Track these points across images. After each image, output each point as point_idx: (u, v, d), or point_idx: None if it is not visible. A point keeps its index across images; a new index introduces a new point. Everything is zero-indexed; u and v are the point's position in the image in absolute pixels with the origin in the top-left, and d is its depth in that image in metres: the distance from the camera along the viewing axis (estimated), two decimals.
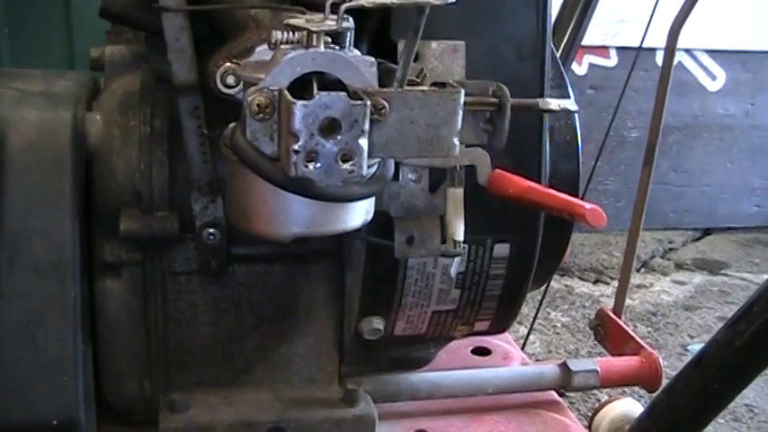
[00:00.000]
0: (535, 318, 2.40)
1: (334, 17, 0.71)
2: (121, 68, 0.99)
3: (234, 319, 1.02)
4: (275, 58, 0.70)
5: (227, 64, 0.80)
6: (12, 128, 0.90)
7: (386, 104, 0.70)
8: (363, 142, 0.67)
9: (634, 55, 2.10)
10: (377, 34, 0.93)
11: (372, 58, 0.71)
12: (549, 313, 3.19)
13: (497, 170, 0.94)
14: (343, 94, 0.66)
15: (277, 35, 0.76)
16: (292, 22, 0.69)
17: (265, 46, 0.79)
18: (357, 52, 0.74)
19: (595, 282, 3.54)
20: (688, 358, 2.94)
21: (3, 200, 0.88)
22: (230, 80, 0.80)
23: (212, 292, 1.00)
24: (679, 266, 3.72)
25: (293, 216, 0.76)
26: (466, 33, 0.95)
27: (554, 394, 1.23)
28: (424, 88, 0.74)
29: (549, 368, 1.21)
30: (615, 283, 3.67)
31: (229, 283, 1.00)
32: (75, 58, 2.08)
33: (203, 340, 1.02)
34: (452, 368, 1.24)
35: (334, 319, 1.05)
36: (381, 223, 0.94)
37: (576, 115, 1.17)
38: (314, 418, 1.03)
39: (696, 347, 2.96)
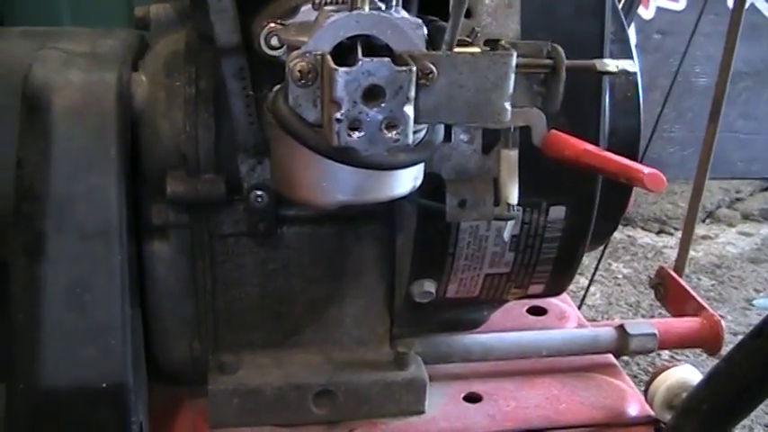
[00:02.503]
0: (596, 269, 2.36)
1: None
2: (167, 27, 0.97)
3: (283, 281, 1.01)
4: (318, 21, 0.67)
5: (271, 25, 0.78)
6: (56, 91, 0.89)
7: (433, 69, 0.66)
8: (409, 110, 0.64)
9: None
10: None
11: (419, 20, 0.68)
12: (610, 264, 3.13)
13: (553, 131, 0.90)
14: (388, 59, 0.63)
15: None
16: None
17: (310, 6, 0.77)
18: (404, 13, 0.70)
19: (659, 232, 3.46)
20: (752, 313, 2.87)
21: (48, 164, 0.87)
22: (274, 41, 0.78)
23: (261, 253, 0.99)
24: (746, 217, 3.61)
25: (338, 184, 0.73)
26: None
27: (610, 357, 1.20)
28: (474, 50, 0.71)
29: (606, 331, 1.18)
30: (679, 234, 3.59)
31: (278, 245, 0.99)
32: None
33: (252, 302, 1.02)
34: (506, 328, 1.22)
35: (385, 280, 1.04)
36: (433, 185, 0.92)
37: (638, 69, 1.12)
38: (363, 381, 1.02)
39: (761, 302, 2.89)
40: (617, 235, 3.46)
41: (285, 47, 0.78)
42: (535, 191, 0.96)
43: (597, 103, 0.95)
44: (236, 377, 1.00)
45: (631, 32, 3.84)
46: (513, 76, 0.70)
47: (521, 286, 1.06)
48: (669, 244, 3.33)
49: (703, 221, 3.57)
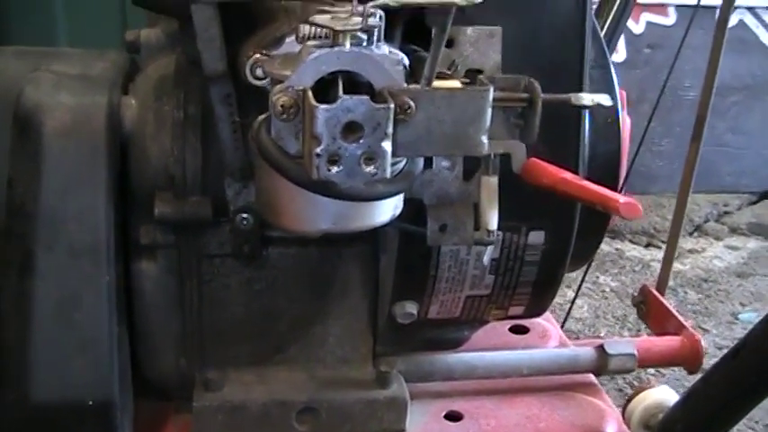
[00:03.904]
0: (582, 281, 2.37)
1: (362, 10, 0.70)
2: (157, 51, 1.00)
3: (268, 300, 1.03)
4: (301, 57, 0.70)
5: (257, 56, 0.80)
6: (48, 112, 0.91)
7: (412, 104, 0.69)
8: (387, 145, 0.66)
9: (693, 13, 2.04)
10: (411, 18, 0.91)
11: (399, 56, 0.70)
12: (597, 277, 3.16)
13: (532, 159, 0.92)
14: (366, 97, 0.65)
15: (304, 30, 0.75)
16: (318, 19, 0.69)
17: (294, 37, 0.79)
18: (385, 48, 0.73)
19: (647, 245, 3.49)
20: (738, 327, 2.90)
21: (39, 183, 0.90)
22: (259, 72, 0.80)
23: (246, 273, 1.01)
24: (733, 231, 3.65)
25: (320, 213, 0.76)
26: (502, 16, 0.93)
27: (590, 376, 1.22)
28: (453, 84, 0.73)
29: (585, 351, 1.21)
30: None
31: (263, 265, 1.01)
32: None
33: (238, 320, 1.03)
34: (489, 347, 1.24)
35: (368, 300, 1.06)
36: (414, 210, 0.94)
37: (620, 94, 1.14)
38: (346, 399, 1.04)
39: (747, 316, 2.92)
40: (605, 248, 3.48)
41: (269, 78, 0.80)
42: (515, 216, 0.98)
43: (576, 130, 0.97)
44: (221, 394, 1.02)
45: (621, 46, 3.87)
46: (489, 111, 0.73)
47: (501, 307, 1.08)
48: (657, 257, 3.35)
49: (690, 235, 3.61)
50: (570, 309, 2.42)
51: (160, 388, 1.06)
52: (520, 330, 1.33)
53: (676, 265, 3.44)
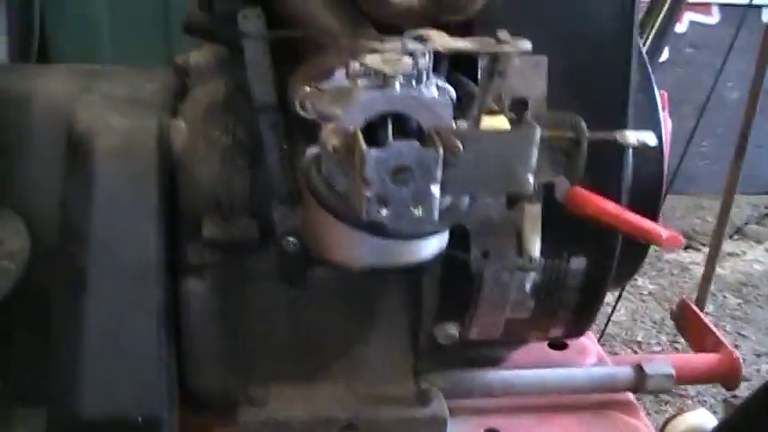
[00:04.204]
0: (623, 289, 2.37)
1: (414, 47, 0.71)
2: (206, 75, 1.01)
3: (312, 319, 1.05)
4: (351, 96, 0.71)
5: (307, 89, 0.81)
6: (99, 136, 0.94)
7: (460, 145, 0.70)
8: (435, 189, 0.67)
9: (737, 13, 2.03)
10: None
11: (449, 97, 0.71)
12: (636, 280, 3.15)
13: (576, 188, 0.93)
14: (416, 142, 0.66)
15: (354, 67, 0.76)
16: (369, 61, 0.70)
17: (344, 70, 0.80)
18: (434, 86, 0.74)
19: (686, 248, 3.46)
20: None
21: (91, 206, 0.92)
22: (309, 106, 0.81)
23: (291, 293, 1.03)
24: None
25: (367, 249, 0.77)
26: (547, 45, 0.93)
27: (628, 394, 1.23)
28: (499, 126, 0.74)
29: (624, 370, 1.21)
30: (706, 250, 3.58)
31: (308, 285, 1.03)
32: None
33: (282, 338, 1.06)
34: (527, 362, 1.24)
35: (410, 321, 1.07)
36: (458, 235, 0.95)
37: (660, 96, 1.14)
38: (386, 417, 1.06)
39: None
40: None
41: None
42: (557, 242, 0.99)
43: (619, 158, 0.98)
44: (266, 410, 1.04)
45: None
46: (536, 151, 0.74)
47: (541, 330, 1.09)
48: (696, 260, 3.33)
49: (731, 237, 3.57)
50: (611, 315, 2.41)
51: (205, 401, 1.09)
52: (558, 346, 1.34)
53: (717, 269, 3.42)
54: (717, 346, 1.43)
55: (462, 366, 1.18)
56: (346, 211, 0.71)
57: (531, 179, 0.75)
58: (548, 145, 0.79)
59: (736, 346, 2.79)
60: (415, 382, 1.10)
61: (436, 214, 0.68)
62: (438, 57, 0.89)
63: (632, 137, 0.83)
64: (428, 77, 0.74)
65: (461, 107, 0.81)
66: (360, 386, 1.09)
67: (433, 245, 0.81)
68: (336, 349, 1.08)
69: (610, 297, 2.75)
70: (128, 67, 1.12)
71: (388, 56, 0.71)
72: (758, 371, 2.62)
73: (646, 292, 3.05)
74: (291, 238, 0.97)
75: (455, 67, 0.90)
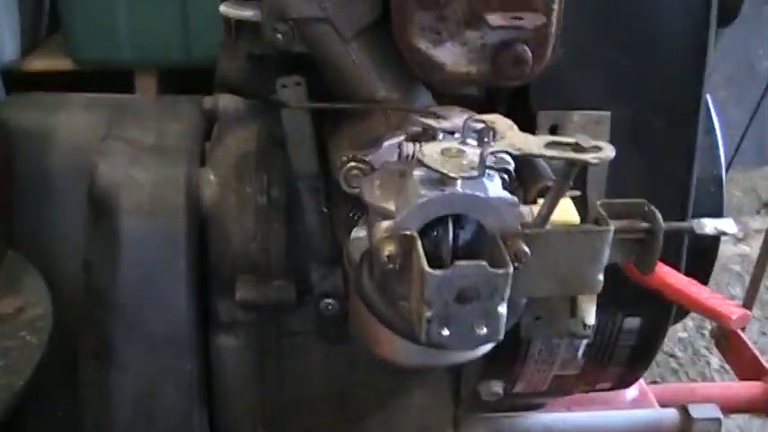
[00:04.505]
0: None
1: (478, 150, 0.64)
2: (236, 121, 0.94)
3: (349, 374, 1.00)
4: (407, 195, 0.64)
5: (352, 163, 0.74)
6: (124, 193, 0.87)
7: (527, 251, 0.63)
8: (503, 309, 0.61)
9: None
10: (515, 99, 0.85)
11: (514, 198, 0.65)
12: None
13: None
14: (483, 263, 0.60)
15: (408, 150, 0.70)
16: (428, 158, 0.62)
17: (392, 140, 0.74)
18: (497, 180, 0.67)
19: None
20: None
21: (117, 268, 0.86)
22: (354, 182, 0.75)
23: (328, 350, 0.98)
24: None
25: (416, 352, 0.71)
26: (611, 101, 0.86)
27: None
28: (570, 224, 0.67)
29: (669, 414, 1.16)
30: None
31: (345, 342, 0.98)
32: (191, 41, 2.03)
33: (317, 393, 1.01)
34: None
35: (453, 377, 1.02)
36: None
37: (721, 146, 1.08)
38: None
39: None
40: None
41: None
42: (612, 303, 0.93)
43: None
44: None
45: None
46: (609, 250, 0.67)
47: (589, 384, 1.04)
48: (723, 237, 3.27)
49: (758, 213, 3.50)
50: None
51: None
52: None
53: (743, 248, 3.34)
54: (761, 374, 1.38)
55: (503, 411, 1.13)
56: (403, 326, 0.65)
57: (601, 279, 0.68)
58: (619, 236, 0.72)
59: (763, 334, 2.75)
60: (455, 429, 1.06)
61: (503, 334, 0.62)
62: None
63: (710, 226, 0.77)
64: (490, 167, 0.67)
65: (519, 178, 0.75)
66: None
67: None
68: (374, 403, 1.03)
69: None
70: (152, 101, 1.05)
71: (447, 146, 0.64)
72: None
73: None
74: (330, 300, 0.91)
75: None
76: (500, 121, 0.65)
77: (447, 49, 0.71)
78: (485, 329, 0.62)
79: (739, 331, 1.48)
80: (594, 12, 0.81)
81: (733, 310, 0.80)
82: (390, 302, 0.65)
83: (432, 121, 0.70)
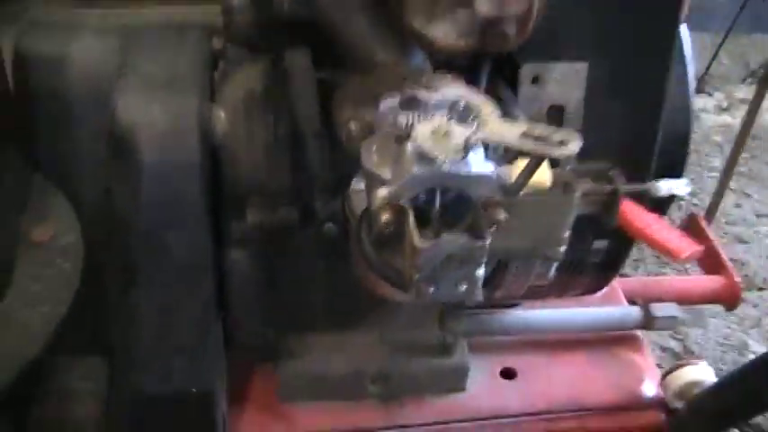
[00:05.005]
0: None
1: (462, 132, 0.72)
2: (242, 61, 1.01)
3: (348, 280, 1.12)
4: (401, 166, 0.74)
5: (353, 122, 0.83)
6: (143, 133, 0.96)
7: (504, 218, 0.74)
8: (480, 272, 0.72)
9: None
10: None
11: (494, 173, 0.74)
12: None
13: None
14: (465, 235, 0.70)
15: (401, 120, 0.78)
16: (420, 138, 0.71)
17: (389, 101, 0.82)
18: (481, 153, 0.76)
19: (697, 92, 3.43)
20: None
21: (139, 200, 0.96)
22: (354, 140, 0.83)
23: (328, 263, 1.10)
24: None
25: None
26: (588, 52, 0.94)
27: (637, 332, 1.32)
28: (541, 190, 0.77)
29: (632, 312, 1.30)
30: (719, 96, 3.56)
31: (346, 253, 1.09)
32: None
33: (318, 296, 1.13)
34: None
35: None
36: None
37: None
38: (415, 368, 1.16)
39: None
40: None
41: None
42: (583, 230, 1.04)
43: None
44: (303, 361, 1.14)
45: None
46: (575, 211, 0.78)
47: (561, 291, 1.17)
48: (707, 107, 3.34)
49: (743, 81, 3.55)
50: None
51: (249, 349, 1.18)
52: None
53: (726, 118, 3.42)
54: (720, 268, 1.51)
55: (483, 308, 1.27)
56: (396, 279, 0.76)
57: (566, 238, 0.79)
58: (584, 197, 0.82)
59: (738, 206, 2.87)
60: (440, 328, 1.19)
61: (480, 294, 0.74)
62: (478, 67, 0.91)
63: (664, 187, 0.86)
64: (476, 144, 0.76)
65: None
66: (391, 333, 1.18)
67: None
68: (369, 302, 1.16)
69: None
70: (161, 30, 1.10)
71: (437, 126, 0.73)
72: (756, 232, 2.71)
73: None
74: (331, 224, 1.02)
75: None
76: (484, 107, 0.73)
77: (439, 26, 0.78)
78: (465, 287, 0.73)
79: (705, 227, 1.60)
80: None
81: (683, 248, 0.92)
82: (385, 259, 0.76)
83: (424, 93, 0.79)
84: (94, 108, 1.01)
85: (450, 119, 0.76)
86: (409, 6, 0.78)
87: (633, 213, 0.94)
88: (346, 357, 1.16)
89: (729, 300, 1.48)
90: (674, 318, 1.29)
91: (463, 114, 0.74)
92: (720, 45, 3.47)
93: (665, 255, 0.92)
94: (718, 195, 1.85)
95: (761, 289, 2.49)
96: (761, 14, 3.81)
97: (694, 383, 1.17)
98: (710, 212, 1.68)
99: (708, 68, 3.54)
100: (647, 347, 1.31)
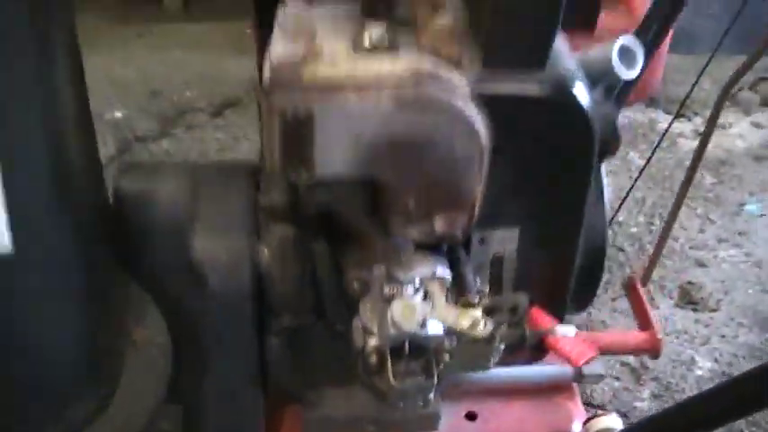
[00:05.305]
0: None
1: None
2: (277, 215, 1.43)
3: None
4: (383, 327, 1.17)
5: (355, 286, 1.26)
6: (211, 264, 1.38)
7: (447, 357, 1.17)
8: (432, 393, 1.16)
9: None
10: None
11: (443, 335, 1.17)
12: (627, 153, 3.50)
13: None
14: (421, 378, 1.14)
15: (386, 293, 1.20)
16: (395, 313, 1.15)
17: (381, 268, 1.24)
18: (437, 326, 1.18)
19: (678, 116, 3.73)
20: (740, 219, 3.26)
21: (208, 313, 1.39)
22: (355, 293, 1.27)
23: (339, 347, 1.53)
24: (764, 103, 3.89)
25: None
26: (519, 221, 1.36)
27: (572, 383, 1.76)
28: (478, 339, 1.20)
29: (567, 371, 1.73)
30: (697, 120, 3.87)
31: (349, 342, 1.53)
32: None
33: (333, 365, 1.57)
34: None
35: None
36: None
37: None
38: (400, 414, 1.60)
39: (751, 208, 3.29)
40: (639, 118, 3.75)
41: None
42: None
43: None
44: (322, 408, 1.59)
45: None
46: (497, 352, 1.21)
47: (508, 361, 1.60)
48: (684, 132, 3.68)
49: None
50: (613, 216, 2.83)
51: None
52: None
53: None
54: (648, 325, 1.94)
55: None
56: (379, 395, 1.19)
57: (493, 362, 1.22)
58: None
59: (701, 231, 3.24)
60: None
61: (432, 401, 1.18)
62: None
63: (560, 331, 1.29)
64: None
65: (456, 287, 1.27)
66: None
67: None
68: None
69: None
70: (220, 170, 1.53)
71: (405, 304, 1.16)
72: (716, 257, 3.08)
73: (633, 168, 3.39)
74: (340, 326, 1.46)
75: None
76: (438, 292, 1.16)
77: (410, 231, 1.21)
78: (422, 402, 1.17)
79: (640, 290, 2.02)
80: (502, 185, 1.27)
81: (579, 358, 1.34)
82: (371, 379, 1.20)
83: (401, 273, 1.21)
84: (171, 231, 1.44)
85: (417, 290, 1.19)
86: (392, 220, 1.20)
87: (542, 321, 1.37)
88: (351, 406, 1.60)
89: (652, 352, 1.91)
90: (600, 375, 1.72)
91: (424, 294, 1.17)
92: (702, 71, 3.76)
93: (566, 361, 1.35)
94: (663, 241, 2.25)
95: (713, 310, 2.87)
96: (745, 37, 4.12)
97: (607, 429, 1.61)
98: (646, 277, 2.09)
99: (689, 93, 3.87)
100: (578, 396, 1.74)
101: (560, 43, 1.31)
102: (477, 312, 1.21)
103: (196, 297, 1.40)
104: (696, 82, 3.31)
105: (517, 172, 1.28)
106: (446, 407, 1.64)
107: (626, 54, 1.44)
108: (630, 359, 2.60)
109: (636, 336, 1.91)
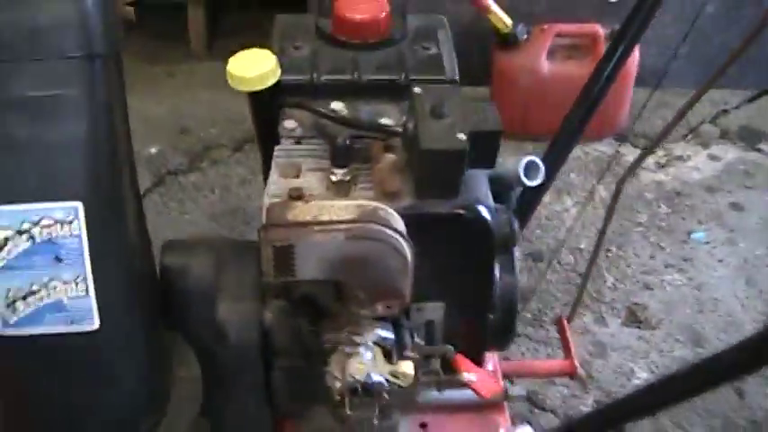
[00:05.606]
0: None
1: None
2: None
3: None
4: (345, 378, 1.76)
5: (327, 347, 1.85)
6: (229, 325, 1.98)
7: (386, 396, 1.75)
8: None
9: None
10: None
11: (392, 383, 1.75)
12: (592, 185, 4.01)
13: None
14: (379, 416, 1.73)
15: (348, 352, 1.79)
16: (351, 368, 1.74)
17: (345, 332, 1.83)
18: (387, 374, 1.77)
19: (643, 148, 4.21)
20: (688, 247, 3.78)
21: (228, 359, 1.99)
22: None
23: None
24: (724, 135, 4.27)
25: None
26: (442, 296, 1.93)
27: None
28: (409, 384, 1.78)
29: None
30: (660, 153, 4.36)
31: None
32: None
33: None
34: None
35: None
36: None
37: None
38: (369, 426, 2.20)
39: (698, 236, 3.76)
40: (607, 150, 4.25)
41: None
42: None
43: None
44: (315, 421, 2.18)
45: None
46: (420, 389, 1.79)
47: None
48: (646, 164, 4.12)
49: (684, 138, 4.36)
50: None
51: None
52: None
53: (660, 175, 4.23)
54: (569, 354, 2.51)
55: None
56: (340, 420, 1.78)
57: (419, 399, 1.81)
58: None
59: (652, 257, 3.76)
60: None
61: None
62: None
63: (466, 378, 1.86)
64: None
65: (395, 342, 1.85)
66: None
67: None
68: None
69: (568, 201, 3.69)
70: (234, 247, 2.12)
71: (359, 362, 1.74)
72: (662, 281, 3.62)
73: (598, 199, 3.89)
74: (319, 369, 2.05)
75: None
76: (378, 354, 1.75)
77: (362, 309, 1.79)
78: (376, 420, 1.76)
79: (567, 328, 2.59)
80: (430, 275, 1.84)
81: (488, 391, 1.92)
82: (336, 410, 1.79)
83: (358, 337, 1.80)
84: (202, 298, 2.03)
85: (367, 349, 1.78)
86: (350, 304, 1.78)
87: (464, 365, 1.95)
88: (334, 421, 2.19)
89: (571, 374, 2.48)
90: (522, 395, 2.30)
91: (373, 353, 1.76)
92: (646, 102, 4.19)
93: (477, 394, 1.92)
94: (585, 280, 2.82)
95: (654, 328, 3.42)
96: (709, 72, 4.58)
97: None
98: (571, 315, 2.66)
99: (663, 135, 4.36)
100: (506, 410, 2.32)
101: (478, 173, 1.88)
102: (405, 366, 1.80)
103: (221, 346, 2.01)
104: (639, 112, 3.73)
105: (441, 266, 1.86)
106: (404, 419, 2.24)
107: (531, 167, 2.02)
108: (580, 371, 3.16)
109: (559, 363, 2.48)
